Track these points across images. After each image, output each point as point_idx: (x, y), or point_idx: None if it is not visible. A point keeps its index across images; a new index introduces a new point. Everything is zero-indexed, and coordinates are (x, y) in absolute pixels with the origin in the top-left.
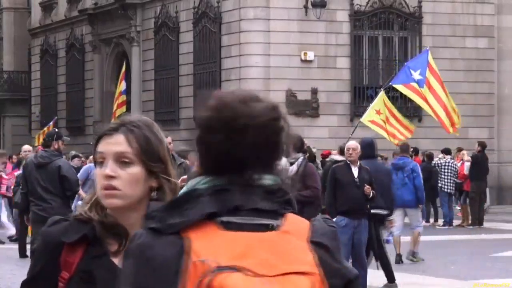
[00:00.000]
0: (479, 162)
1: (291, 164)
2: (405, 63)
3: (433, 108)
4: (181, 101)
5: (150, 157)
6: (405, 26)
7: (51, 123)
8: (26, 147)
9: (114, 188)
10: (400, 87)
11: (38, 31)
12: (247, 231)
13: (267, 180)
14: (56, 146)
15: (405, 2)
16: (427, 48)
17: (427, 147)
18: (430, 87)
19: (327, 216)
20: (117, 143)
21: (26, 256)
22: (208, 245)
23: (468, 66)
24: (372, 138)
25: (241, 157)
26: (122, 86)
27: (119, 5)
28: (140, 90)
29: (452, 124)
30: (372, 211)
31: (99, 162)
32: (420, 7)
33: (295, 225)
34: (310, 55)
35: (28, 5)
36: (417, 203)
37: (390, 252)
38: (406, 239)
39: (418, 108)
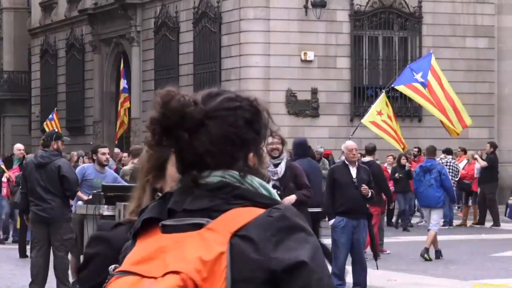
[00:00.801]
0: (494, 163)
1: (276, 165)
2: (408, 65)
3: (436, 107)
4: None
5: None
6: (405, 26)
7: (53, 116)
8: (18, 145)
9: None
10: (401, 88)
11: (38, 31)
12: (180, 232)
13: (214, 177)
14: (55, 146)
15: (405, 2)
16: (431, 52)
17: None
18: (431, 91)
19: (286, 205)
20: None
21: (26, 256)
22: (133, 251)
23: (468, 66)
24: (305, 138)
25: (189, 157)
26: (122, 84)
27: (119, 5)
28: (140, 90)
29: (460, 120)
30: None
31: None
32: (420, 7)
33: (228, 220)
34: (310, 55)
35: (28, 5)
36: (442, 203)
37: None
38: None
39: (418, 108)
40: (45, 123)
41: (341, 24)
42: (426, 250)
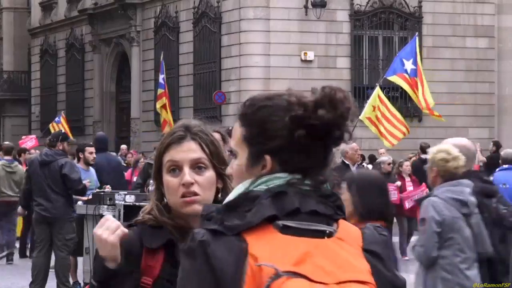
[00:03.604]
0: (496, 162)
1: None
2: (397, 55)
3: (418, 94)
4: (181, 101)
5: (219, 160)
6: (405, 26)
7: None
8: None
9: (195, 194)
10: (393, 78)
11: (38, 31)
12: (304, 237)
13: (327, 184)
14: (61, 148)
15: (405, 2)
16: (416, 35)
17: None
18: (420, 75)
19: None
20: (191, 150)
21: (26, 256)
22: (267, 249)
23: (468, 66)
24: (104, 134)
25: (308, 158)
26: (159, 79)
27: (119, 5)
28: (140, 90)
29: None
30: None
31: (169, 170)
32: (420, 7)
33: (348, 232)
34: (310, 55)
35: (28, 5)
36: None
37: None
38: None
39: (418, 108)
40: (50, 124)
41: (341, 24)
42: None
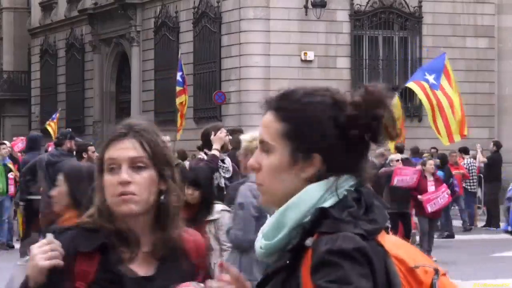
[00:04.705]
0: (497, 163)
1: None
2: (421, 66)
3: (435, 113)
4: None
5: (160, 160)
6: (405, 26)
7: (56, 115)
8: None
9: (131, 194)
10: (410, 84)
11: (38, 31)
12: (389, 234)
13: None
14: (68, 145)
15: (405, 2)
16: (444, 52)
17: (426, 147)
18: (445, 94)
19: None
20: (129, 148)
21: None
22: (399, 250)
23: (468, 66)
24: (37, 134)
25: (355, 157)
26: (177, 76)
27: (119, 5)
28: (140, 90)
29: (461, 129)
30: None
31: (109, 169)
32: (420, 7)
33: None
34: (310, 55)
35: (28, 5)
36: None
37: None
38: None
39: (418, 108)
40: (47, 123)
41: (341, 24)
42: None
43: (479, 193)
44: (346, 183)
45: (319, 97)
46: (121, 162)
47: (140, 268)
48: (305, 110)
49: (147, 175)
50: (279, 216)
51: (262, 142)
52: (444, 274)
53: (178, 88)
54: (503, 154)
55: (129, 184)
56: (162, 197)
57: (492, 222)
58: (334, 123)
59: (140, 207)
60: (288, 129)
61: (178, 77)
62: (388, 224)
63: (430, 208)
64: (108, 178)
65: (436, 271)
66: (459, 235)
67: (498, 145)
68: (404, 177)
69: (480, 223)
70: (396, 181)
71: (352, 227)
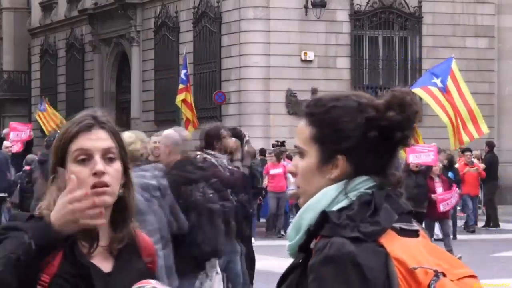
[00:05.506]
0: (493, 163)
1: (239, 167)
2: (429, 69)
3: (450, 116)
4: None
5: (126, 152)
6: (405, 26)
7: (45, 106)
8: (6, 143)
9: (105, 185)
10: (417, 90)
11: (38, 31)
12: (412, 237)
13: (400, 183)
14: None
15: (405, 2)
16: (452, 56)
17: None
18: (449, 97)
19: None
20: (101, 139)
21: None
22: (404, 252)
23: (468, 66)
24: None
25: (377, 158)
26: (181, 74)
27: (119, 5)
28: (140, 90)
29: (477, 128)
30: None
31: (79, 160)
32: (420, 7)
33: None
34: (310, 55)
35: (28, 5)
36: None
37: None
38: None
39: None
40: (36, 114)
41: (341, 24)
42: None
43: (479, 193)
44: (363, 184)
45: (344, 101)
46: (94, 152)
47: (100, 263)
48: (329, 114)
49: (118, 166)
50: (298, 217)
51: (297, 147)
52: (468, 277)
53: (181, 86)
54: (503, 154)
55: (104, 175)
56: (121, 191)
57: (490, 222)
58: (355, 126)
59: (112, 199)
60: (315, 133)
61: (182, 75)
62: (418, 225)
63: (442, 208)
64: (78, 169)
65: (437, 273)
66: (459, 235)
67: (491, 145)
68: (418, 153)
69: (480, 223)
70: (411, 158)
71: (348, 231)
